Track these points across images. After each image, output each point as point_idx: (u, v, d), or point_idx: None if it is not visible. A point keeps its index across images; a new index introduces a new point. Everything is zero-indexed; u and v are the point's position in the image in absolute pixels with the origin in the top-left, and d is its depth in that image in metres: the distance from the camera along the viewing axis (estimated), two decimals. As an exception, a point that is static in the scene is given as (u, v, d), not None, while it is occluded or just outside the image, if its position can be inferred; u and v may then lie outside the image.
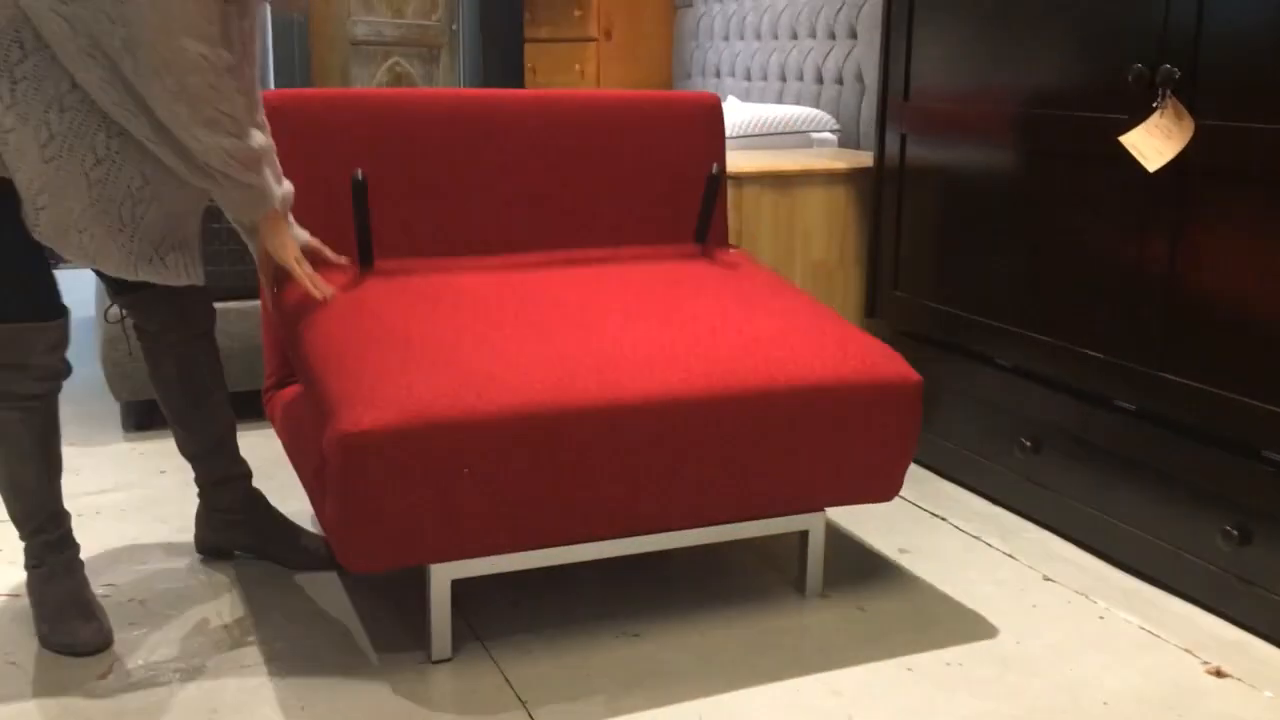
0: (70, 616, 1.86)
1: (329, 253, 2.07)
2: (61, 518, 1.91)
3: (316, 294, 1.92)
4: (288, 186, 1.93)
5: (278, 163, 1.94)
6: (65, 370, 1.84)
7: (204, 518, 2.17)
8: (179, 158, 1.75)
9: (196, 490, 2.16)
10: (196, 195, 1.88)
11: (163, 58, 1.63)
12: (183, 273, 1.90)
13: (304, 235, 2.03)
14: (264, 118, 1.91)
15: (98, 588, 2.05)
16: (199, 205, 1.91)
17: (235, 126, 1.73)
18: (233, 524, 2.15)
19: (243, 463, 2.14)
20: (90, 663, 1.81)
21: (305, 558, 2.15)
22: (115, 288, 1.97)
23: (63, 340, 1.82)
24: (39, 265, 1.79)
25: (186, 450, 2.11)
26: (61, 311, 1.82)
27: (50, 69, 1.69)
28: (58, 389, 1.85)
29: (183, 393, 2.05)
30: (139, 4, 1.60)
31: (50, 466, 1.87)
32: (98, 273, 1.94)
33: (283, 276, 1.96)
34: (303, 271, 1.91)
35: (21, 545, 1.92)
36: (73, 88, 1.70)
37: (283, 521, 2.18)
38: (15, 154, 1.70)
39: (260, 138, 1.81)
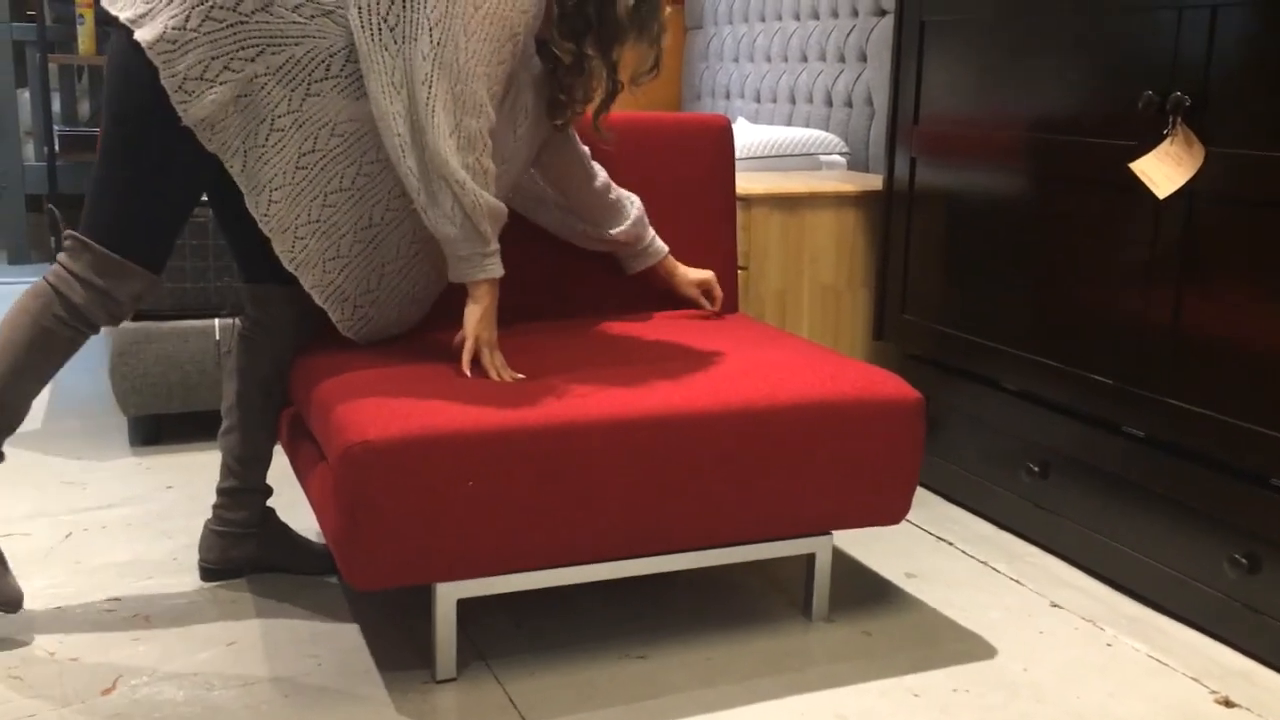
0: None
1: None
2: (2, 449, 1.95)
3: (503, 378, 1.91)
4: (498, 268, 1.94)
5: None
6: (125, 318, 1.95)
7: (215, 535, 2.14)
8: (430, 195, 1.86)
9: (216, 504, 2.14)
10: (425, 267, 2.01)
11: (456, 94, 1.82)
12: (346, 318, 2.00)
13: (695, 276, 2.36)
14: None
15: (102, 602, 2.05)
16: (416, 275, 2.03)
17: (483, 178, 1.88)
18: (246, 538, 2.15)
19: (265, 477, 2.18)
20: (94, 678, 1.81)
21: (316, 562, 2.19)
22: (254, 274, 2.06)
23: (147, 292, 1.93)
24: (174, 225, 1.92)
25: (235, 451, 2.11)
26: (162, 270, 1.94)
27: (339, 97, 1.85)
28: (103, 329, 1.96)
29: (264, 398, 2.11)
30: (457, 44, 1.80)
31: (35, 396, 1.93)
32: (235, 252, 2.10)
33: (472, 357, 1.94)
34: (492, 359, 1.92)
35: None
36: (350, 119, 1.86)
37: (292, 532, 2.22)
38: (275, 148, 1.85)
39: (502, 205, 1.93)
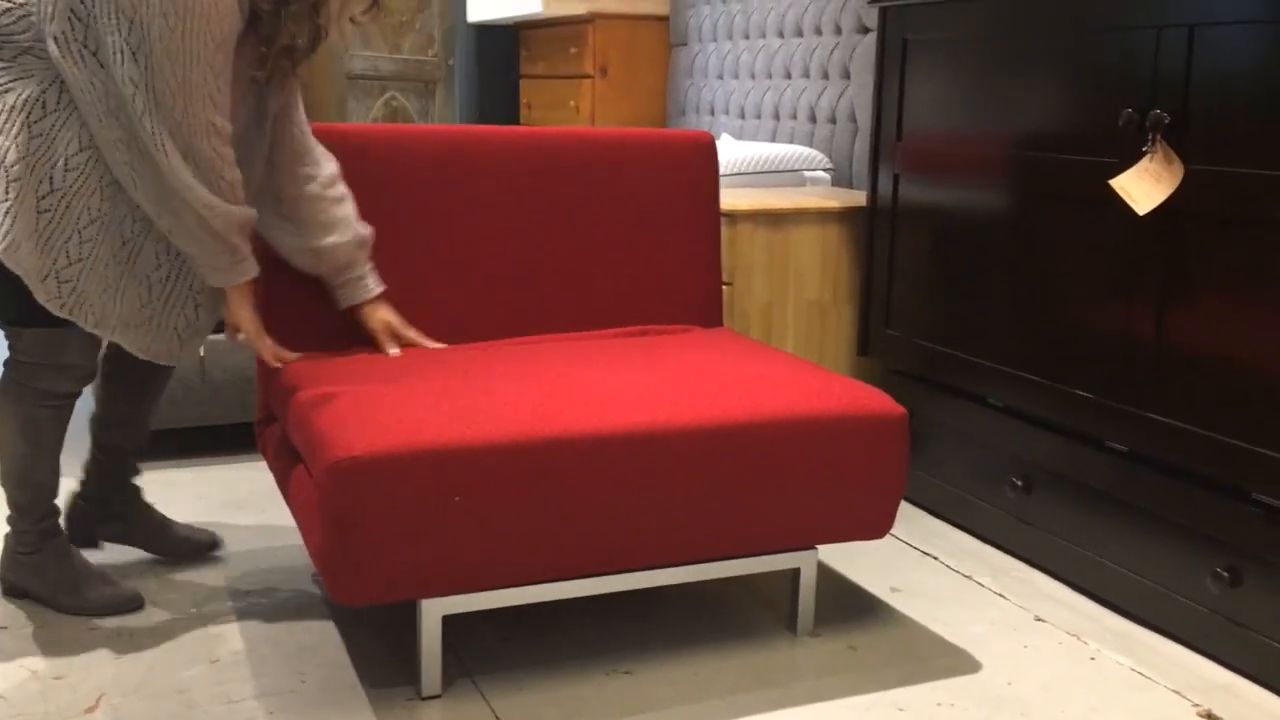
0: (98, 583, 2.07)
1: (425, 341, 2.19)
2: (55, 506, 2.07)
3: (276, 364, 2.04)
4: (253, 268, 1.98)
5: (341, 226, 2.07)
6: (95, 371, 2.01)
7: (80, 511, 2.24)
8: (173, 216, 1.85)
9: (82, 480, 2.24)
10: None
11: (176, 121, 1.78)
12: (143, 344, 1.96)
13: (394, 320, 2.17)
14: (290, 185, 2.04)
15: (86, 621, 2.04)
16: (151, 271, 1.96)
17: (230, 191, 1.87)
18: (116, 516, 2.26)
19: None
20: (77, 696, 1.80)
21: (185, 548, 2.30)
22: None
23: (98, 344, 1.98)
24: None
25: (115, 441, 2.19)
26: None
27: (63, 130, 1.81)
28: (82, 390, 2.02)
29: (140, 396, 2.18)
30: (163, 72, 1.75)
31: (59, 459, 2.04)
32: None
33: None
34: (264, 344, 2.03)
35: (8, 534, 2.06)
36: (80, 149, 1.82)
37: (161, 516, 2.32)
38: (16, 200, 1.80)
39: (252, 211, 1.92)
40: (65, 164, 1.81)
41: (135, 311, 1.93)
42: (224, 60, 1.82)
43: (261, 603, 2.14)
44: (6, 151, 1.78)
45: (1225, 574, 1.95)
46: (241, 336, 2.03)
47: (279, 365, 2.04)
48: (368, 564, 1.69)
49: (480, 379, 1.94)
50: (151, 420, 2.26)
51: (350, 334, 2.20)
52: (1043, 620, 2.17)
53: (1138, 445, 2.11)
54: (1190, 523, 2.02)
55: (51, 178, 1.81)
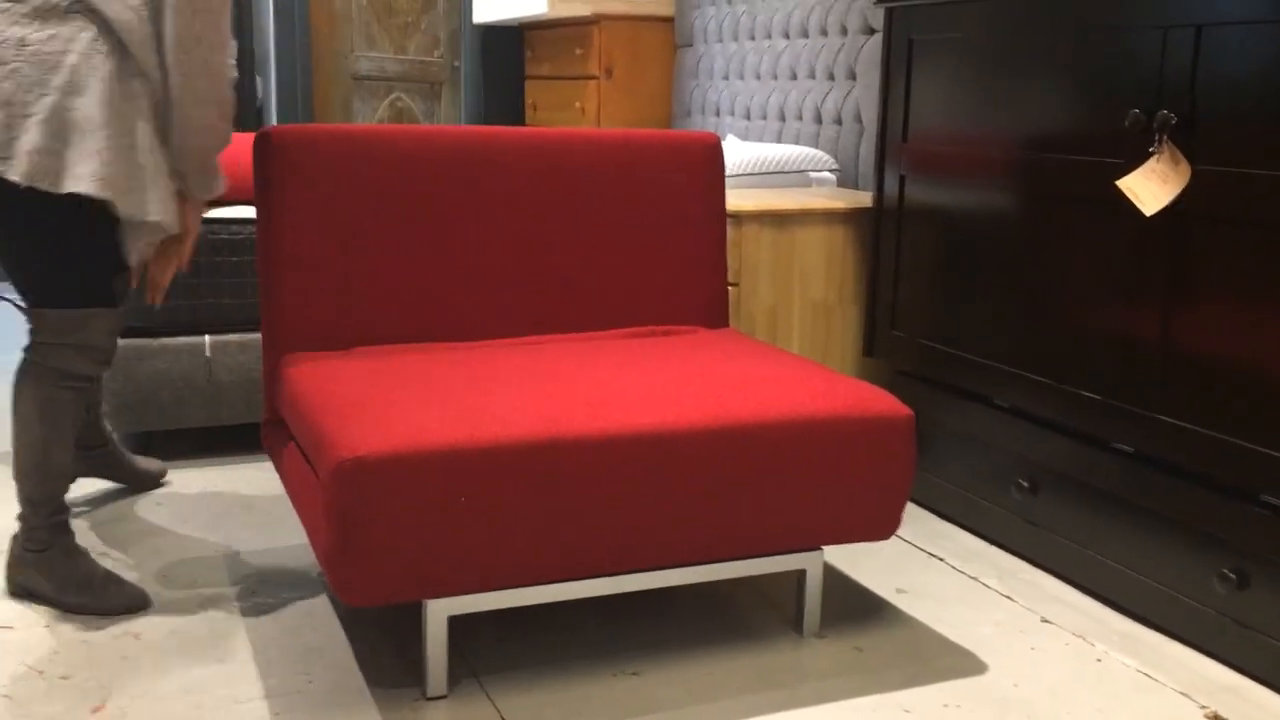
0: (107, 582, 2.09)
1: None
2: (66, 504, 2.12)
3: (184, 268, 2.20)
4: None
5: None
6: (113, 355, 2.09)
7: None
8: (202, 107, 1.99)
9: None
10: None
11: (199, 34, 1.92)
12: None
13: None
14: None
15: (93, 621, 2.05)
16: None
17: (229, 107, 2.02)
18: (85, 456, 2.52)
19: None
20: (84, 696, 1.80)
21: (143, 478, 2.62)
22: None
23: (119, 325, 2.07)
24: (104, 256, 2.01)
25: (45, 491, 2.08)
26: (118, 301, 2.06)
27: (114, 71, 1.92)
28: (103, 373, 2.11)
29: (74, 435, 2.11)
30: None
31: (71, 454, 2.09)
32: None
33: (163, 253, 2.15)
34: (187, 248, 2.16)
35: (17, 533, 2.09)
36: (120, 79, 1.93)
37: (122, 453, 2.60)
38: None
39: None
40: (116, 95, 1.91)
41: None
42: None
43: (268, 603, 2.14)
44: (87, 103, 1.88)
45: (1232, 575, 1.95)
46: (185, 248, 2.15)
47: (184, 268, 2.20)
48: (374, 564, 1.69)
49: (486, 379, 1.94)
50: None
51: (357, 333, 2.20)
52: (1049, 622, 2.16)
53: (1144, 446, 2.11)
54: (1197, 524, 2.02)
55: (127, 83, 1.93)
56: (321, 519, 1.73)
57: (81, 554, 2.11)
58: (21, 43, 1.87)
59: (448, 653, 1.83)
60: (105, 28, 1.90)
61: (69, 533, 2.11)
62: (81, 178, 1.87)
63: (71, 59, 1.88)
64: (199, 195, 2.10)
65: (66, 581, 2.07)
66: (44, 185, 1.86)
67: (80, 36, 1.89)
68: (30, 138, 1.85)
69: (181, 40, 1.91)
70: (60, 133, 1.87)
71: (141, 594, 2.10)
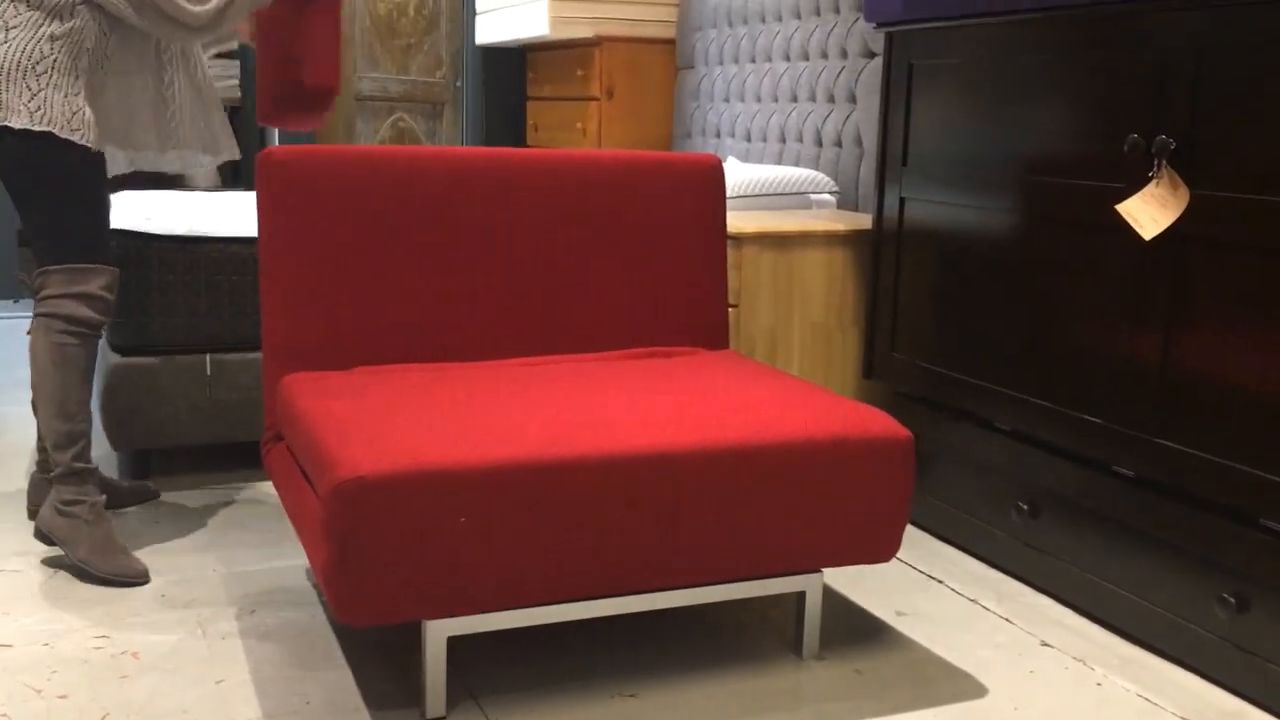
0: (117, 551, 2.29)
1: None
2: (89, 444, 2.31)
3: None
4: None
5: None
6: (113, 306, 2.32)
7: (40, 484, 2.50)
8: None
9: (39, 459, 2.50)
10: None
11: None
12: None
13: None
14: None
15: (91, 639, 2.04)
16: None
17: None
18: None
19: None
20: (82, 716, 1.80)
21: (128, 497, 2.66)
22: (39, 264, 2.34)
23: (116, 282, 2.32)
24: (101, 218, 2.29)
25: (68, 428, 2.31)
26: (112, 259, 2.33)
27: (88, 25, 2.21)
28: (104, 324, 2.31)
29: (87, 381, 2.36)
30: None
31: (89, 399, 2.30)
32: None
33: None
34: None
35: (53, 484, 2.30)
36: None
37: (105, 480, 2.62)
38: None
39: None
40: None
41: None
42: None
43: (266, 623, 2.13)
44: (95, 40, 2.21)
45: (1232, 600, 1.95)
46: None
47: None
48: (373, 584, 1.69)
49: (486, 400, 1.95)
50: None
51: (357, 353, 2.20)
52: (1049, 645, 2.16)
53: (1144, 470, 2.11)
54: (1197, 548, 2.02)
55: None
56: (321, 538, 1.72)
57: (106, 522, 2.32)
58: (52, 36, 2.16)
59: (446, 673, 1.83)
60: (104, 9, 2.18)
61: (99, 492, 2.33)
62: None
63: (88, 42, 2.21)
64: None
65: (84, 539, 2.27)
66: (95, 145, 2.20)
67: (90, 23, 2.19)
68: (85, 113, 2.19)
69: None
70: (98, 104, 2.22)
71: (144, 569, 2.28)
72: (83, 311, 2.26)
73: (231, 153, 2.56)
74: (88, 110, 2.20)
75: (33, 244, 2.27)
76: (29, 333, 2.28)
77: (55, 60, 2.17)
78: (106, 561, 2.26)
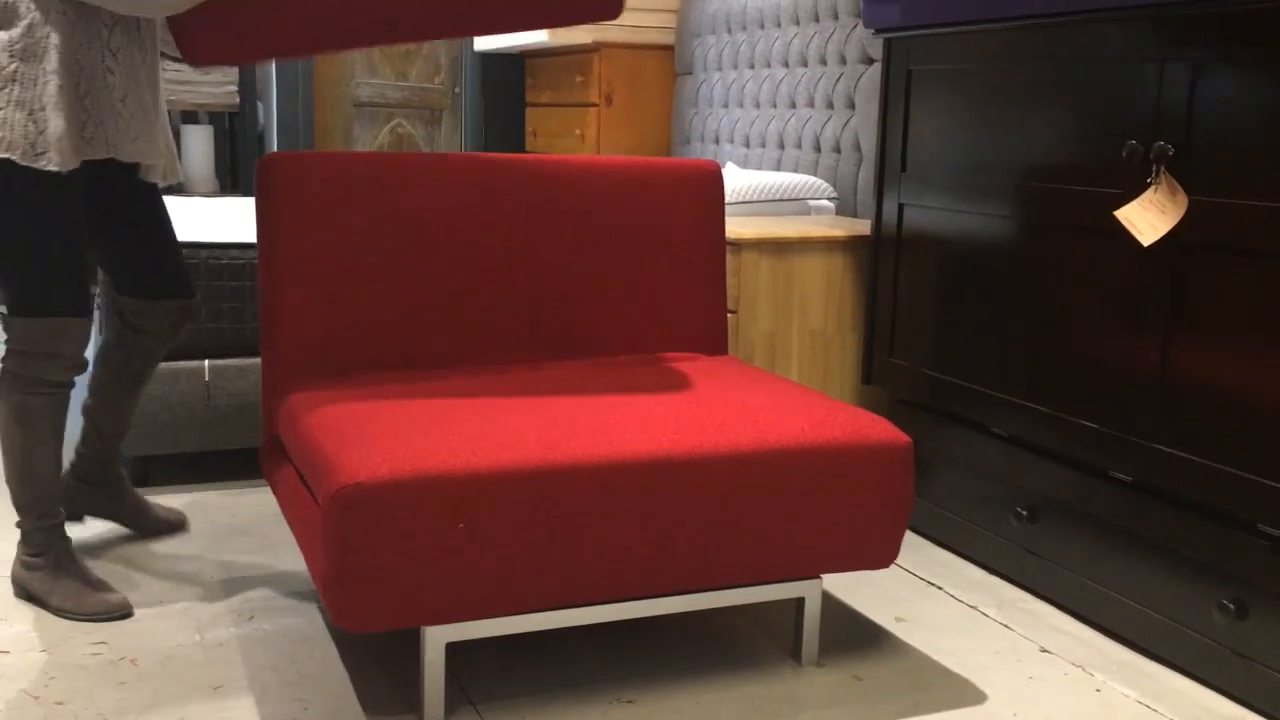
0: (94, 589, 2.15)
1: None
2: (58, 506, 2.18)
3: None
4: None
5: None
6: (85, 363, 2.12)
7: (71, 488, 2.45)
8: None
9: (74, 461, 2.44)
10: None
11: None
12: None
13: None
14: None
15: (88, 646, 2.04)
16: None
17: None
18: (105, 494, 2.48)
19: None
20: (79, 722, 1.80)
21: (158, 525, 2.52)
22: (133, 289, 2.26)
23: (89, 334, 2.10)
24: (76, 265, 2.05)
25: (107, 428, 2.36)
26: (90, 309, 2.10)
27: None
28: (75, 380, 2.12)
29: (134, 387, 2.36)
30: None
31: (59, 455, 2.15)
32: (109, 273, 2.29)
33: None
34: None
35: (18, 541, 2.20)
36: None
37: (139, 497, 2.53)
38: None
39: None
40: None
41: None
42: None
43: (265, 629, 2.13)
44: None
45: (1231, 606, 1.95)
46: None
47: None
48: (372, 590, 1.69)
49: (485, 406, 1.95)
50: (135, 408, 2.45)
51: (356, 359, 2.21)
52: (1048, 651, 2.16)
53: (1143, 476, 2.11)
54: (1196, 554, 2.02)
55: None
56: (320, 544, 1.72)
57: (75, 563, 2.19)
58: None
59: (445, 680, 1.82)
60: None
61: (64, 538, 2.19)
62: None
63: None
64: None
65: (56, 588, 2.15)
66: (18, 159, 1.93)
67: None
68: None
69: None
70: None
71: (123, 602, 2.15)
72: (51, 373, 2.07)
73: (176, 176, 2.29)
74: (58, 124, 1.93)
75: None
76: None
77: (16, 70, 1.90)
78: (82, 605, 2.13)
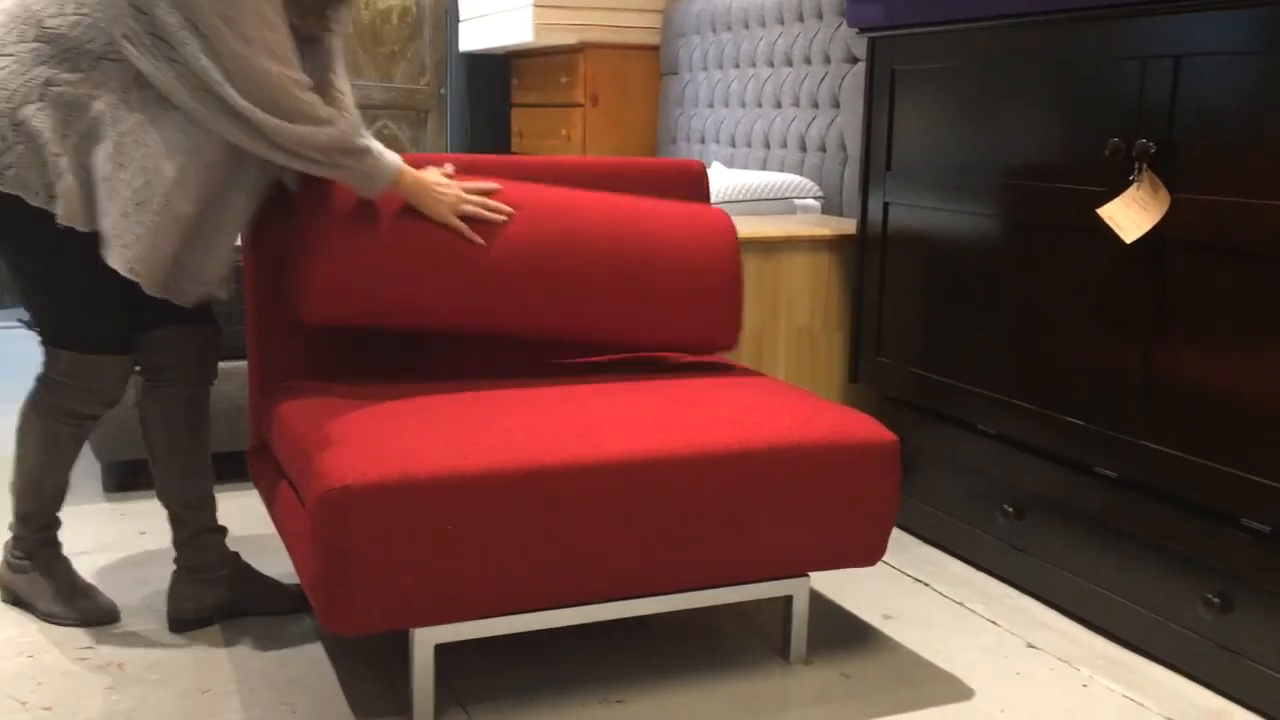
0: (81, 594, 2.15)
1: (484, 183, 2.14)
2: (57, 519, 2.19)
3: (477, 241, 2.09)
4: (391, 158, 1.99)
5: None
6: (119, 397, 2.07)
7: (182, 585, 2.13)
8: (304, 161, 1.90)
9: (176, 557, 2.14)
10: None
11: (254, 82, 1.82)
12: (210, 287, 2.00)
13: (444, 172, 2.12)
14: (353, 117, 1.98)
15: (76, 650, 2.04)
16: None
17: (324, 127, 1.88)
18: (215, 580, 2.13)
19: (217, 516, 2.18)
20: (67, 728, 1.79)
21: (288, 600, 2.19)
22: (144, 322, 2.06)
23: (129, 371, 2.06)
24: (117, 300, 1.99)
25: (181, 499, 2.11)
26: (132, 345, 2.05)
27: (151, 127, 1.86)
28: (104, 413, 2.09)
29: (192, 438, 2.12)
30: (225, 40, 1.80)
31: (68, 479, 2.16)
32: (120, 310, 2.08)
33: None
34: (458, 226, 2.06)
35: (9, 541, 2.18)
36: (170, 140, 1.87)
37: (258, 573, 2.21)
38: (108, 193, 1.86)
39: (350, 134, 1.91)
40: (167, 155, 1.86)
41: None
42: (276, 12, 1.84)
43: (252, 632, 2.13)
44: (103, 164, 1.84)
45: (1216, 600, 1.96)
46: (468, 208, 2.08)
47: (502, 217, 2.11)
48: (360, 593, 1.69)
49: (472, 408, 1.94)
50: (206, 467, 2.16)
51: (344, 361, 2.20)
52: (1035, 647, 2.17)
53: (1128, 472, 2.12)
54: (1181, 549, 2.03)
55: (158, 167, 1.85)
56: (308, 548, 1.72)
57: (63, 566, 2.19)
58: (48, 83, 1.83)
59: (434, 681, 1.83)
60: (138, 80, 1.84)
61: (56, 545, 2.20)
62: (112, 249, 1.86)
63: (98, 106, 1.84)
64: (363, 193, 1.99)
65: (44, 591, 2.15)
66: (80, 226, 1.87)
67: (108, 84, 1.84)
68: (65, 181, 1.84)
69: (226, 54, 1.81)
70: (84, 181, 1.86)
71: (110, 606, 2.15)
72: (85, 406, 2.05)
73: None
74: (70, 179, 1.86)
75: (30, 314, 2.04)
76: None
77: (44, 110, 1.84)
78: (70, 609, 2.12)
